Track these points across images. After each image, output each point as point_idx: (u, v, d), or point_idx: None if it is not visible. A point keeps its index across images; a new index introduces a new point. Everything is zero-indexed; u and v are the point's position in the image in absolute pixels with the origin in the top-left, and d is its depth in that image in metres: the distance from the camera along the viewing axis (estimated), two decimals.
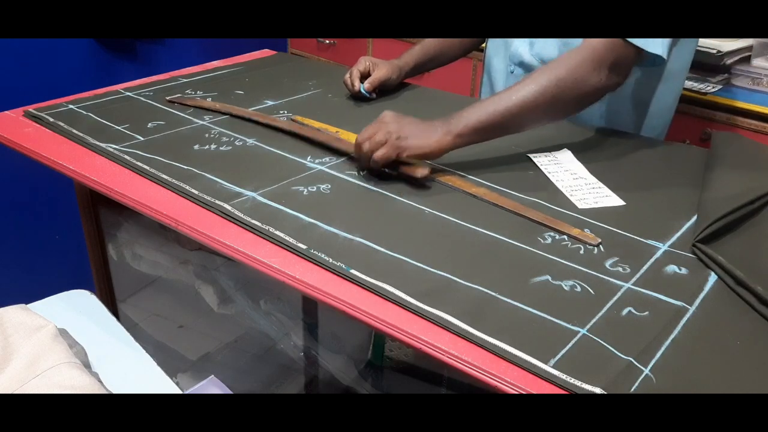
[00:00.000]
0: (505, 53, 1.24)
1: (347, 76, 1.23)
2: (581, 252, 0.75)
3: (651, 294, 0.68)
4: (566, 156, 0.99)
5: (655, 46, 0.90)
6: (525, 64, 1.18)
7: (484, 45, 1.36)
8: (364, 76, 1.23)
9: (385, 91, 1.25)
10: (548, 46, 1.14)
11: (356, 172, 0.93)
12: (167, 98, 1.21)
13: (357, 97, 1.23)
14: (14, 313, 0.80)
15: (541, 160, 0.97)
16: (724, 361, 0.60)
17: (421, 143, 0.87)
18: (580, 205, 0.85)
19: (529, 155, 0.98)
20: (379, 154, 0.87)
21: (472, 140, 0.90)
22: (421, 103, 1.23)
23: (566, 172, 0.94)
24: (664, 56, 0.91)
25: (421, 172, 0.88)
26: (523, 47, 1.18)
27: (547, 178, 0.93)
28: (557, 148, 1.01)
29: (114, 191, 0.88)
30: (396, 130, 0.87)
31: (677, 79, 1.12)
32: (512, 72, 1.22)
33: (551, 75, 0.88)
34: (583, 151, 1.01)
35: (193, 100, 1.20)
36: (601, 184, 0.90)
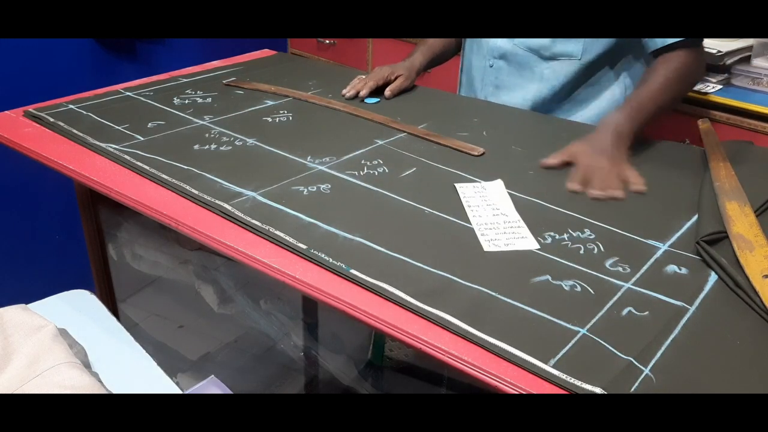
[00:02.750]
0: (479, 50, 1.25)
1: (358, 81, 1.24)
2: (581, 252, 0.75)
3: (651, 294, 0.68)
4: (496, 187, 0.90)
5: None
6: (508, 55, 1.20)
7: None
8: (380, 86, 1.24)
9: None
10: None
11: (356, 172, 0.93)
12: (224, 82, 1.29)
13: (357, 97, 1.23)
14: (14, 313, 0.80)
15: (465, 191, 0.88)
16: (724, 361, 0.60)
17: (620, 162, 0.95)
18: (487, 247, 0.76)
19: (455, 185, 0.90)
20: (612, 192, 0.89)
21: (638, 133, 1.01)
22: (422, 102, 1.23)
23: (488, 206, 0.85)
24: None
25: (477, 151, 1.00)
26: (501, 40, 1.20)
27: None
28: (559, 147, 1.01)
29: (114, 191, 0.88)
30: (606, 167, 0.93)
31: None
32: (491, 66, 1.23)
33: (683, 76, 1.04)
34: None
35: (250, 83, 1.29)
36: (521, 224, 0.81)
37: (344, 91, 1.24)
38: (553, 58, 1.16)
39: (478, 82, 1.28)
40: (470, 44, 1.30)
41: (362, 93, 1.22)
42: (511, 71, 1.21)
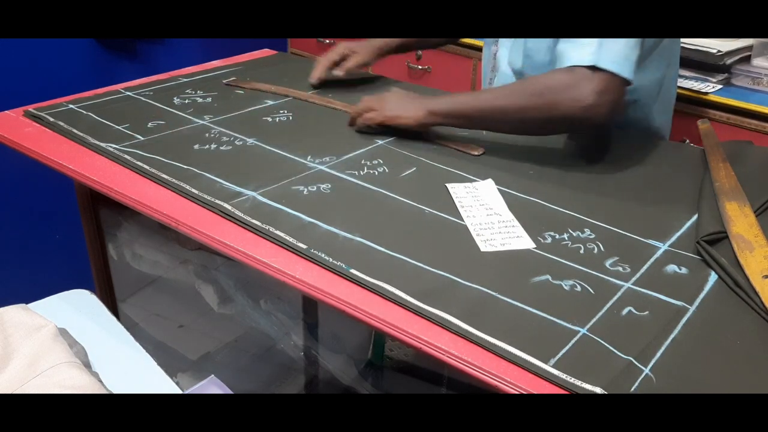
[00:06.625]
0: (487, 63, 1.24)
1: (316, 62, 1.26)
2: (581, 252, 0.75)
3: (651, 294, 0.68)
4: (487, 187, 0.90)
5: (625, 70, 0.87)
6: (500, 69, 1.18)
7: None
8: (337, 63, 1.25)
9: (387, 87, 1.25)
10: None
11: (356, 172, 0.93)
12: (224, 82, 1.29)
13: (357, 97, 1.23)
14: (14, 312, 0.80)
15: (457, 192, 0.88)
16: (724, 361, 0.60)
17: (395, 114, 1.02)
18: (484, 248, 0.76)
19: (447, 185, 0.90)
20: (365, 118, 1.04)
21: (446, 122, 1.00)
22: None
23: (482, 206, 0.84)
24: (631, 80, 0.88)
25: (477, 150, 1.00)
26: (499, 55, 1.17)
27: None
28: (558, 147, 1.01)
29: (114, 191, 0.88)
30: (377, 101, 1.04)
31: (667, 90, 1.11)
32: (491, 81, 1.22)
33: (534, 90, 0.91)
34: (583, 150, 1.01)
35: (250, 83, 1.29)
36: (515, 223, 0.81)
37: (309, 79, 1.25)
38: None
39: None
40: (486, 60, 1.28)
41: (314, 77, 1.24)
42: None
